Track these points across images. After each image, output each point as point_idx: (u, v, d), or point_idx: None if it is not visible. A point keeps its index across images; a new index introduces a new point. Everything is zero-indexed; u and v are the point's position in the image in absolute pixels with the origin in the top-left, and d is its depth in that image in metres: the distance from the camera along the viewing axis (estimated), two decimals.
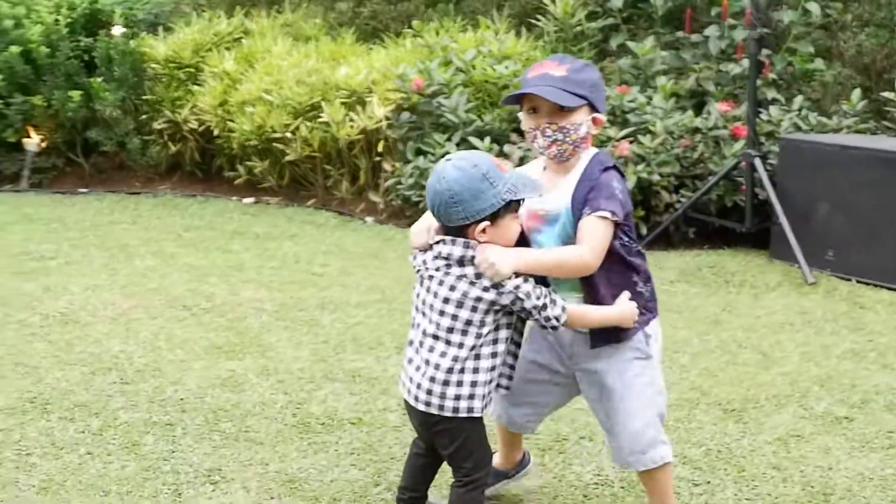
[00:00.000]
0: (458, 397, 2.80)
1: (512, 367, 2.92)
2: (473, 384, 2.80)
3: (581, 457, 3.66)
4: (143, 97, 8.42)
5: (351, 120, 7.60)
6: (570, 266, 2.78)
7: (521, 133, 6.84)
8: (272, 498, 3.30)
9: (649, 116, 7.05)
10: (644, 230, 6.81)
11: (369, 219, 7.60)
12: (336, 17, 8.74)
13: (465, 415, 2.81)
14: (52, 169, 8.56)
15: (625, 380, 2.93)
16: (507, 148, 6.96)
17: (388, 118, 7.50)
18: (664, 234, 6.84)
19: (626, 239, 2.86)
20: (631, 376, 2.93)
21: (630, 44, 7.73)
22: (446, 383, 2.79)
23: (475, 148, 6.98)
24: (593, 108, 2.87)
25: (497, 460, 3.26)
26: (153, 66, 8.39)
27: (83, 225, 7.14)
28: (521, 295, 2.74)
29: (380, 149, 7.62)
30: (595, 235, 2.76)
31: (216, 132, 8.13)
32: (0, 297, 5.32)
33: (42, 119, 8.35)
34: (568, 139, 2.83)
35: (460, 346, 2.77)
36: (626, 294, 2.90)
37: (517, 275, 2.73)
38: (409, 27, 8.31)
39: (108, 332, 4.85)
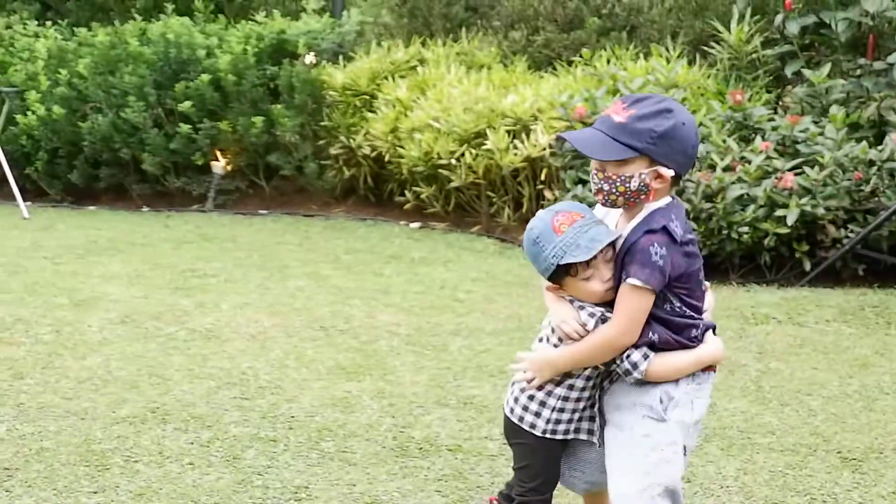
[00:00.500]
0: (525, 408, 2.81)
1: (592, 417, 2.83)
2: (542, 404, 2.79)
3: None
4: (321, 123, 8.75)
5: (515, 148, 7.65)
6: (603, 352, 2.65)
7: None
8: None
9: (820, 147, 6.76)
10: (808, 266, 6.53)
11: None
12: (510, 45, 8.81)
13: (527, 428, 2.80)
14: (236, 191, 9.03)
15: (626, 435, 2.70)
16: None
17: (551, 146, 7.51)
18: (830, 270, 6.53)
19: (678, 304, 2.66)
20: (634, 434, 2.69)
21: (806, 71, 7.44)
22: (522, 391, 2.82)
23: None
24: (657, 161, 2.61)
25: None
26: (331, 93, 8.71)
27: (253, 245, 7.49)
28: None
29: (542, 177, 7.63)
30: (625, 308, 2.61)
31: (387, 158, 8.35)
32: (155, 312, 5.65)
33: (228, 143, 8.82)
34: (615, 190, 2.63)
35: None
36: (710, 335, 2.76)
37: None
38: (581, 56, 8.29)
39: (243, 349, 5.06)
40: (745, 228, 6.48)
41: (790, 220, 6.39)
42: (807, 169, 6.61)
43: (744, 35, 7.83)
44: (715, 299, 2.87)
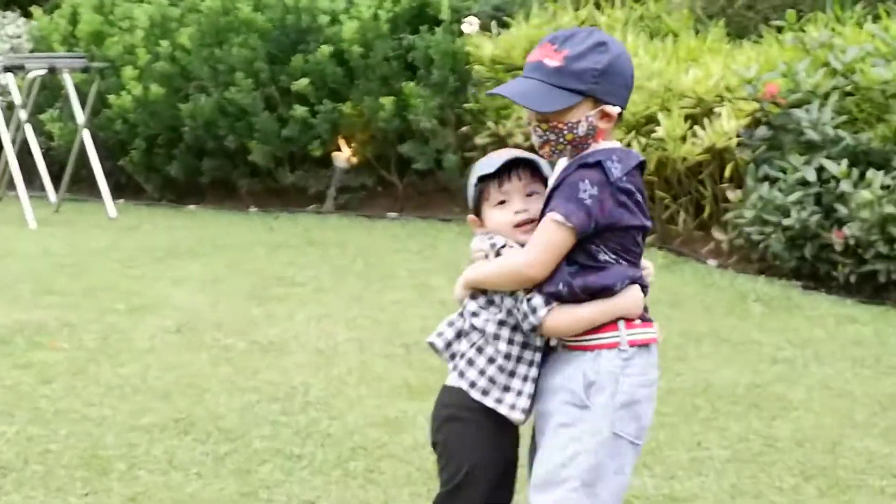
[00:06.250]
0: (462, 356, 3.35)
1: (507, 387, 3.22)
2: (466, 356, 3.33)
3: None
4: (465, 106, 9.51)
5: (694, 136, 8.16)
6: (506, 277, 3.12)
7: None
8: None
9: None
10: None
11: (712, 262, 8.11)
12: (705, 6, 9.34)
13: (446, 354, 3.41)
14: (362, 189, 9.93)
15: (549, 424, 3.13)
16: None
17: (739, 135, 7.97)
18: None
19: (612, 256, 3.08)
20: (556, 422, 3.11)
21: None
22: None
23: (830, 175, 7.31)
24: (601, 100, 3.06)
25: None
26: (478, 68, 9.45)
27: (362, 251, 8.36)
28: None
29: (728, 173, 8.09)
30: (539, 239, 3.07)
31: None
32: (217, 321, 6.54)
33: (352, 130, 9.72)
34: (562, 140, 3.09)
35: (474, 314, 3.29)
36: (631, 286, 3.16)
37: None
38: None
39: (303, 364, 5.86)
40: None
41: None
42: None
43: None
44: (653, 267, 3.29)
